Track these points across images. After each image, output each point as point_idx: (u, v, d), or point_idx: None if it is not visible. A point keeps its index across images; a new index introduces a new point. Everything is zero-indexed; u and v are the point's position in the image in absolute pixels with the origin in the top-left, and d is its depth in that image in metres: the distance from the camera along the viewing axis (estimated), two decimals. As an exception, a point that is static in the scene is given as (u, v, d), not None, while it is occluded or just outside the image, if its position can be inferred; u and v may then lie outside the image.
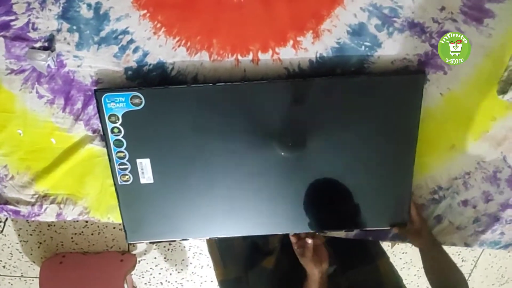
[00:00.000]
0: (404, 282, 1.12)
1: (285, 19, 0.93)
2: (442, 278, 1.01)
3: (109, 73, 0.97)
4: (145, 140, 0.97)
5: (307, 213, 1.04)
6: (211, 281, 2.15)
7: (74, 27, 0.94)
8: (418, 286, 2.18)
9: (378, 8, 0.92)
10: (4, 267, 2.10)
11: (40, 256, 2.04)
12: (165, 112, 0.94)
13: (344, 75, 0.97)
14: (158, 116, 0.94)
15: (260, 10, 0.92)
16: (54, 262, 1.88)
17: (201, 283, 2.16)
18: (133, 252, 2.01)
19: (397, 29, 0.93)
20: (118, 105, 0.92)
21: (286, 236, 1.06)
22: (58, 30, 0.94)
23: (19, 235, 1.99)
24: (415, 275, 2.14)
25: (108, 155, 0.98)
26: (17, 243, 2.02)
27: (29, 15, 0.93)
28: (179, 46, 0.95)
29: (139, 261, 2.03)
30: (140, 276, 2.12)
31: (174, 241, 1.96)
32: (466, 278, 1.15)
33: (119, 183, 1.00)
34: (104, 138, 0.96)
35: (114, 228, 1.96)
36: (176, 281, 2.16)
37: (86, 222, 1.93)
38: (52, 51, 0.94)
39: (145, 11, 0.92)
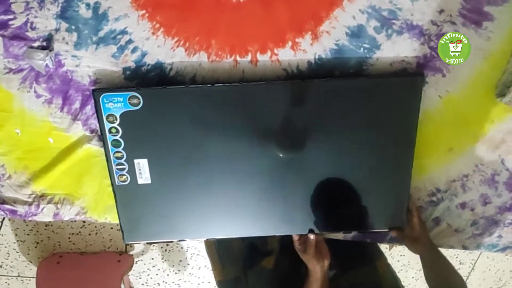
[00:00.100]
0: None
1: (284, 20, 0.92)
2: (442, 283, 1.01)
3: (107, 73, 0.97)
4: (143, 140, 0.97)
5: (305, 215, 1.04)
6: (209, 282, 2.14)
7: (73, 27, 0.93)
8: (415, 288, 2.19)
9: (377, 10, 0.92)
10: (1, 266, 2.10)
11: (37, 256, 2.03)
12: (163, 112, 0.94)
13: (342, 77, 0.97)
14: (156, 117, 0.94)
15: (259, 11, 0.92)
16: (51, 262, 1.87)
17: (199, 284, 2.16)
18: (131, 253, 2.01)
19: (396, 31, 0.93)
20: (116, 105, 0.92)
21: (285, 237, 1.06)
22: (57, 30, 0.94)
23: (16, 234, 1.99)
24: (412, 277, 2.14)
25: (106, 155, 0.97)
26: (14, 242, 2.01)
27: (28, 15, 0.93)
28: (177, 46, 0.95)
29: (136, 261, 2.03)
30: (137, 276, 2.12)
31: (172, 242, 1.96)
32: (464, 281, 1.15)
33: (117, 183, 1.00)
34: (102, 138, 0.96)
35: (111, 228, 1.95)
36: (173, 282, 2.15)
37: (84, 222, 1.93)
38: (50, 51, 0.94)
39: (143, 11, 0.92)
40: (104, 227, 1.96)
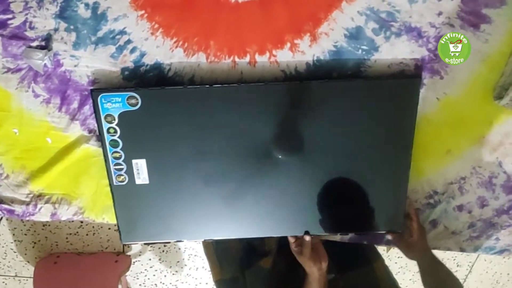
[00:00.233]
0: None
1: (282, 21, 0.93)
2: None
3: (106, 73, 0.97)
4: (141, 140, 0.97)
5: (303, 217, 1.04)
6: (206, 283, 2.14)
7: (72, 27, 0.93)
8: (413, 290, 2.19)
9: (376, 12, 0.92)
10: (-2, 266, 2.10)
11: (34, 256, 2.03)
12: (162, 113, 0.94)
13: (340, 78, 0.97)
14: (155, 117, 0.94)
15: (257, 12, 0.92)
16: (49, 262, 1.87)
17: (196, 285, 2.15)
18: (128, 253, 2.00)
19: (394, 33, 0.93)
20: (114, 105, 0.92)
21: (283, 237, 1.06)
22: (55, 30, 0.94)
23: (13, 234, 1.99)
24: (410, 279, 2.14)
25: (104, 155, 0.97)
26: (12, 242, 2.01)
27: (27, 14, 0.93)
28: (176, 47, 0.95)
29: (133, 262, 2.03)
30: (134, 277, 2.12)
31: (169, 242, 1.96)
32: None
33: (115, 184, 1.00)
34: (100, 138, 0.96)
35: (109, 228, 1.95)
36: (170, 283, 2.15)
37: (81, 222, 1.93)
38: (49, 51, 0.94)
39: (142, 12, 0.92)
40: (101, 227, 1.96)
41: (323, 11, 0.92)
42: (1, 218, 1.93)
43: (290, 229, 1.05)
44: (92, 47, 0.95)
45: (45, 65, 0.95)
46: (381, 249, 1.24)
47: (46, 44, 0.95)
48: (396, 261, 2.08)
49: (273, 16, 0.92)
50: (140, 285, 2.15)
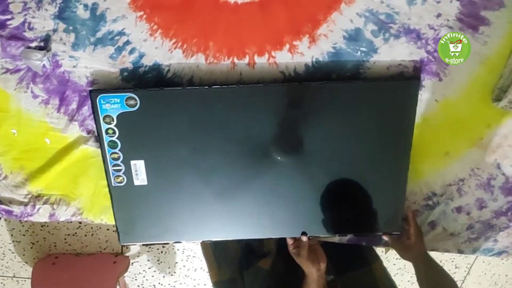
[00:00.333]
0: (398, 288, 1.13)
1: (281, 23, 0.93)
2: None
3: (105, 74, 0.97)
4: (139, 141, 0.96)
5: (301, 218, 1.04)
6: (204, 285, 2.14)
7: (70, 28, 0.93)
8: (411, 292, 2.18)
9: (375, 14, 0.92)
10: (-4, 267, 2.09)
11: (32, 257, 2.03)
12: (160, 114, 0.94)
13: (339, 80, 0.97)
14: (153, 118, 0.94)
15: (257, 14, 0.92)
16: (47, 263, 1.87)
17: (194, 286, 2.15)
18: (126, 254, 2.00)
19: (393, 35, 0.93)
20: (113, 106, 0.92)
21: (282, 238, 1.06)
22: (54, 30, 0.94)
23: (11, 235, 1.98)
24: (408, 281, 2.14)
25: (102, 156, 0.97)
26: (10, 243, 2.00)
27: (25, 15, 0.92)
28: (175, 48, 0.95)
29: (132, 263, 2.03)
30: (133, 278, 2.11)
31: (168, 243, 1.95)
32: (459, 285, 1.15)
33: (113, 185, 1.00)
34: (99, 139, 0.96)
35: (107, 229, 1.95)
36: (169, 284, 2.15)
37: (80, 223, 1.93)
38: (47, 51, 0.94)
39: (141, 13, 0.92)
40: (100, 228, 1.95)
41: (322, 12, 0.92)
42: (0, 218, 1.92)
43: (289, 230, 1.05)
44: (91, 48, 0.95)
45: (44, 66, 0.95)
46: (379, 250, 1.24)
47: (45, 44, 0.95)
48: (395, 262, 2.08)
49: (272, 18, 0.92)
50: (138, 286, 2.14)
